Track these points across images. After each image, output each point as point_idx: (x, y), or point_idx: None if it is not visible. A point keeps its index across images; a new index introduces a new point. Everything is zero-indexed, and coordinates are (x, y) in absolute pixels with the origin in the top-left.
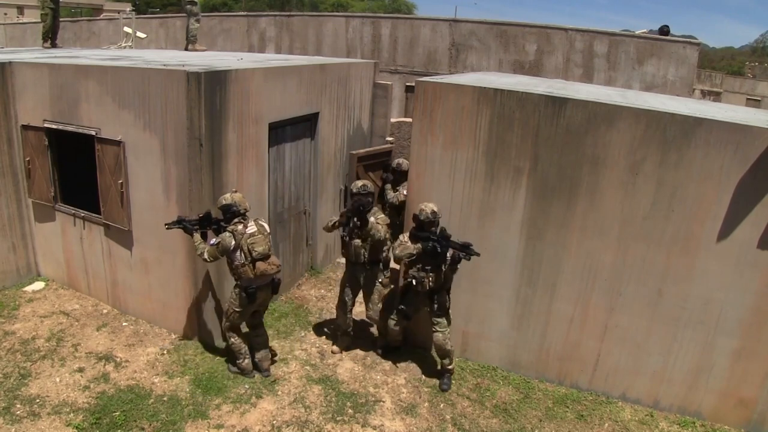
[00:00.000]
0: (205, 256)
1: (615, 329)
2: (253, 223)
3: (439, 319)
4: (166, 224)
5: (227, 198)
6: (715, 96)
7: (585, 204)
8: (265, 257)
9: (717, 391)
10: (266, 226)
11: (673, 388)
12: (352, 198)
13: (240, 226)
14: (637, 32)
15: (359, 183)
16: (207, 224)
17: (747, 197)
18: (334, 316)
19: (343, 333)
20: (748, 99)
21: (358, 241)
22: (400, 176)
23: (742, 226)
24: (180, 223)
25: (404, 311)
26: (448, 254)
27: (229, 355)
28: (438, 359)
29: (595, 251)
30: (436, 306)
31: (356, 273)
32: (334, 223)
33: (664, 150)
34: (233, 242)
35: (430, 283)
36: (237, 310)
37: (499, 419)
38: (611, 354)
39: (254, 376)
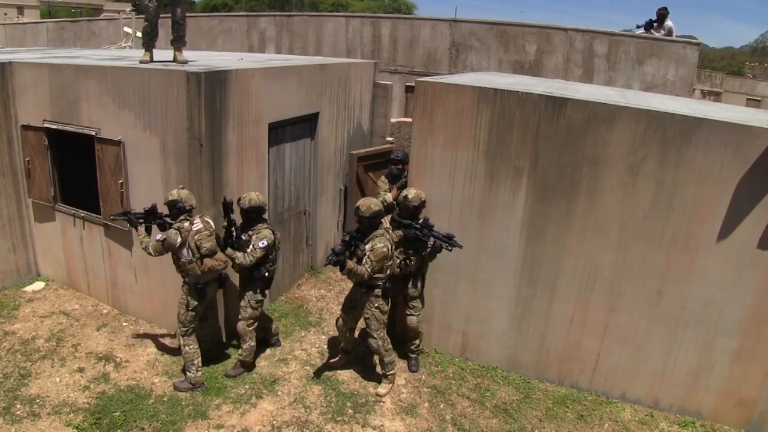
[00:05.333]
0: (150, 250)
1: (615, 329)
2: (198, 219)
3: (414, 303)
4: (111, 215)
5: (174, 194)
6: (715, 96)
7: (585, 204)
8: (212, 253)
9: (717, 391)
10: (211, 222)
11: (673, 388)
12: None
13: (186, 224)
14: (636, 32)
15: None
16: (152, 218)
17: (747, 197)
18: (334, 315)
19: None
20: (748, 99)
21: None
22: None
23: (742, 226)
24: (125, 215)
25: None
26: (429, 242)
27: (183, 365)
28: (408, 342)
29: (595, 251)
30: (413, 289)
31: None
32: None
33: (664, 150)
34: (179, 239)
35: (411, 268)
36: (189, 310)
37: (499, 419)
38: (611, 354)
39: (205, 388)
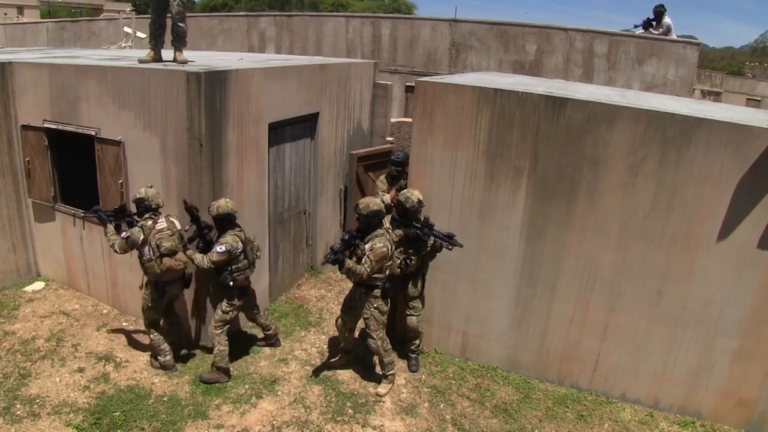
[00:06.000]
0: (116, 247)
1: (615, 329)
2: (163, 219)
3: (414, 303)
4: (82, 212)
5: (141, 192)
6: (715, 96)
7: (585, 204)
8: (171, 253)
9: (717, 391)
10: (176, 222)
11: (673, 388)
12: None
13: (150, 222)
14: (635, 32)
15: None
16: (121, 216)
17: (747, 197)
18: (334, 315)
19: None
20: (748, 99)
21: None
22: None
23: (742, 226)
24: (96, 212)
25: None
26: (429, 242)
27: (151, 351)
28: (408, 342)
29: (595, 251)
30: (414, 289)
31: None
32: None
33: (664, 150)
34: (141, 237)
35: (411, 268)
36: (150, 305)
37: (499, 419)
38: (611, 354)
39: (177, 370)
